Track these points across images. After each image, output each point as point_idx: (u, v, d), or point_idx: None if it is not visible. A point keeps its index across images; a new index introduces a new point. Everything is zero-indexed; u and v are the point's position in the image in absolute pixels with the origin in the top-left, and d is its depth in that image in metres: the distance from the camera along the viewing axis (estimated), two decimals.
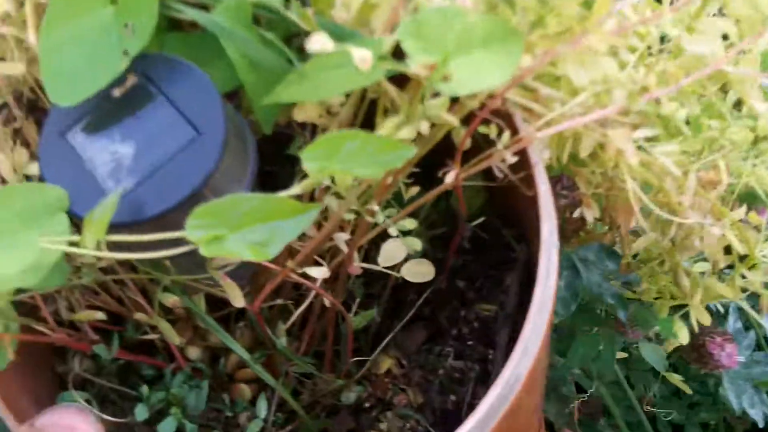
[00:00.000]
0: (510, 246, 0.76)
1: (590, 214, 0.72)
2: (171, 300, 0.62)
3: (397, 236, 0.58)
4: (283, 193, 0.46)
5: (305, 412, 0.68)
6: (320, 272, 0.56)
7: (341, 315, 0.69)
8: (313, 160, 0.45)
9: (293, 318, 0.64)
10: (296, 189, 0.46)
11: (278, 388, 0.66)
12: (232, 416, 0.69)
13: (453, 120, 0.51)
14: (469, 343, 0.74)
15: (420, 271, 0.63)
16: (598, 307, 0.82)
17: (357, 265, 0.62)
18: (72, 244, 0.47)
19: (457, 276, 0.76)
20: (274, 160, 0.60)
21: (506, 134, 0.54)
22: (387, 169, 0.45)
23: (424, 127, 0.50)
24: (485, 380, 0.73)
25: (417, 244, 0.58)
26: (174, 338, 0.64)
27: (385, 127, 0.49)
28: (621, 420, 1.14)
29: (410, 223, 0.58)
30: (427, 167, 0.61)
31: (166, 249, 0.47)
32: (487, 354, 0.74)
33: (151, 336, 0.63)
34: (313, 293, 0.61)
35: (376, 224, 0.60)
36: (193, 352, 0.67)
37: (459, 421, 0.71)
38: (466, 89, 0.47)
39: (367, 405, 0.74)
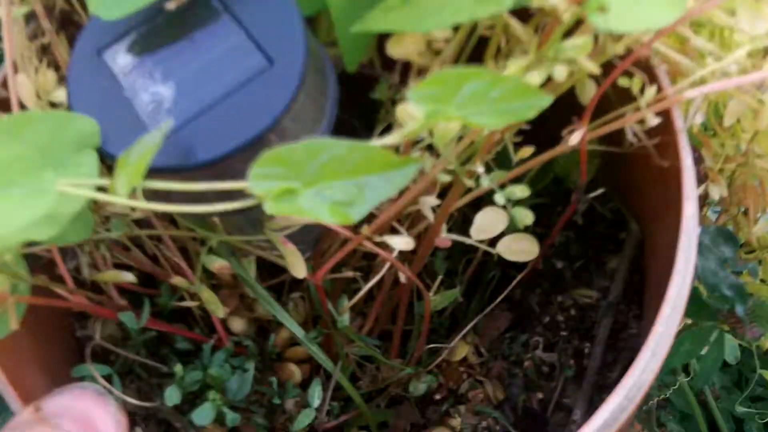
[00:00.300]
0: (618, 225, 0.64)
1: (716, 191, 0.60)
2: (217, 264, 0.51)
3: (504, 205, 0.46)
4: (374, 142, 0.35)
5: (364, 402, 0.60)
6: (401, 242, 0.45)
7: (417, 293, 0.58)
8: (424, 101, 0.34)
9: (361, 293, 0.56)
10: (392, 138, 0.35)
11: (335, 373, 0.58)
12: (278, 402, 0.59)
13: (592, 67, 0.40)
14: (563, 333, 0.65)
15: (521, 249, 0.52)
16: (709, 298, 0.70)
17: (445, 237, 0.51)
18: (101, 189, 0.36)
19: (554, 255, 0.65)
20: (346, 107, 0.49)
21: (651, 90, 0.43)
22: (513, 121, 0.33)
23: (560, 72, 0.39)
24: (579, 377, 0.62)
25: (528, 216, 0.47)
26: (218, 310, 0.54)
27: (512, 68, 0.38)
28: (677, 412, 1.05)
29: (521, 190, 0.47)
30: (535, 124, 0.50)
31: (217, 202, 0.36)
32: (583, 347, 0.64)
33: (189, 304, 0.54)
34: (386, 266, 0.51)
35: (469, 189, 0.49)
36: (238, 325, 0.59)
37: (544, 422, 0.61)
38: (628, 25, 0.36)
39: (437, 397, 0.65)
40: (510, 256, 0.52)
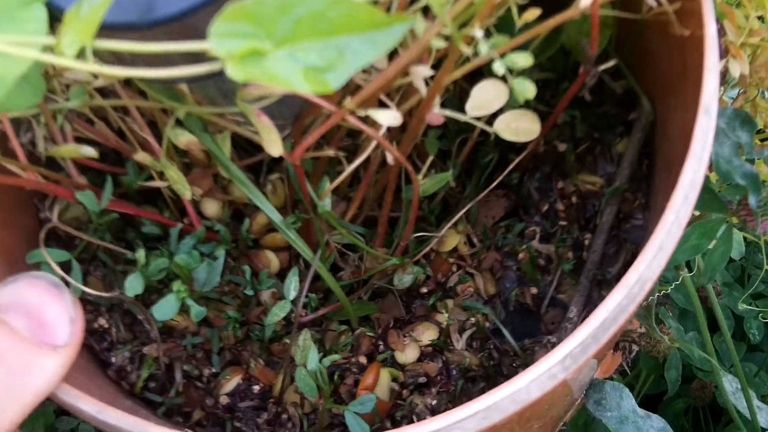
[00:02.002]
0: (628, 104, 0.60)
1: (737, 67, 0.56)
2: (184, 138, 0.47)
3: (504, 76, 0.42)
4: None
5: (345, 294, 0.58)
6: (388, 117, 0.41)
7: (405, 176, 0.55)
8: None
9: (344, 175, 0.53)
10: None
11: (314, 262, 0.55)
12: (251, 293, 0.56)
13: None
14: (562, 223, 0.61)
15: (521, 128, 0.48)
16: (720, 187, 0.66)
17: (438, 113, 0.47)
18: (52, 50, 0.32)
19: (557, 136, 0.61)
20: None
21: None
22: None
23: None
24: (577, 272, 0.59)
25: (530, 88, 0.43)
26: (185, 191, 0.50)
27: None
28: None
29: (524, 59, 0.43)
30: None
31: (180, 66, 0.32)
32: (583, 238, 0.60)
33: (158, 183, 0.50)
34: (373, 144, 0.48)
35: (466, 60, 0.45)
36: (211, 208, 0.57)
37: (537, 320, 0.58)
38: None
39: (423, 290, 0.62)
40: (509, 135, 0.48)
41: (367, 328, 0.59)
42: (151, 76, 0.32)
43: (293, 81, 0.32)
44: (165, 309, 0.49)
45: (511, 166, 0.59)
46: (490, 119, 0.47)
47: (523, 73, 0.43)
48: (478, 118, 0.48)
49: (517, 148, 0.62)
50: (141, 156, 0.50)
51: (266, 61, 0.32)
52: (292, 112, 0.50)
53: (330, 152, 0.50)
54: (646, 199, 0.59)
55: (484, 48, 0.42)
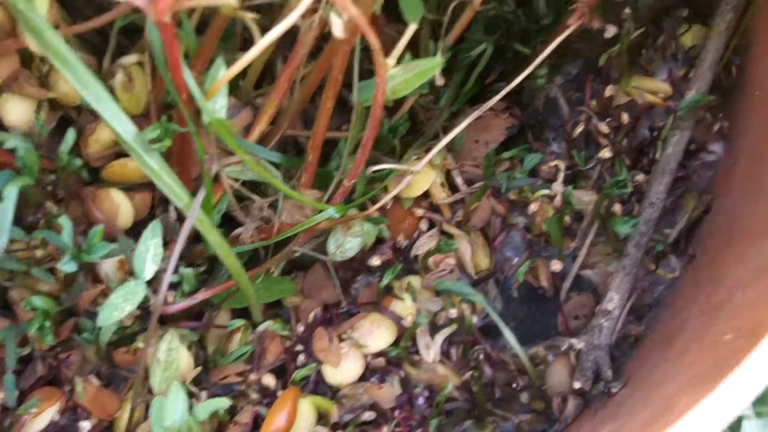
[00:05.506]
0: None
1: None
2: None
3: None
4: None
5: (244, 266, 0.44)
6: None
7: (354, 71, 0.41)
8: None
9: (249, 56, 0.36)
10: None
11: (190, 212, 0.40)
12: (73, 268, 0.41)
13: None
14: (604, 154, 0.48)
15: None
16: None
17: None
18: None
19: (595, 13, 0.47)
20: None
21: None
22: None
23: None
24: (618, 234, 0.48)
25: None
26: None
27: None
28: None
29: None
30: None
31: None
32: (635, 181, 0.47)
33: None
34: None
35: None
36: (15, 110, 0.43)
37: (554, 311, 0.48)
38: None
39: (374, 261, 0.47)
40: None
41: (279, 322, 0.47)
42: None
43: None
44: None
45: (539, 59, 0.43)
46: None
47: None
48: None
49: (527, 33, 0.49)
50: None
51: None
52: None
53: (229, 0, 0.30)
54: (730, 121, 0.47)
55: None
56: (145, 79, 0.45)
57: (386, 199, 0.46)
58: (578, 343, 0.45)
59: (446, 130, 0.48)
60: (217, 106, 0.39)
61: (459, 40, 0.49)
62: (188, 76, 0.39)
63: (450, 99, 0.51)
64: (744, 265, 0.37)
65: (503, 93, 0.44)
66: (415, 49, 0.49)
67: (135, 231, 0.45)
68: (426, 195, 0.49)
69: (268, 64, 0.46)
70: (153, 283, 0.42)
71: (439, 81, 0.45)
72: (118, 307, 0.40)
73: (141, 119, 0.45)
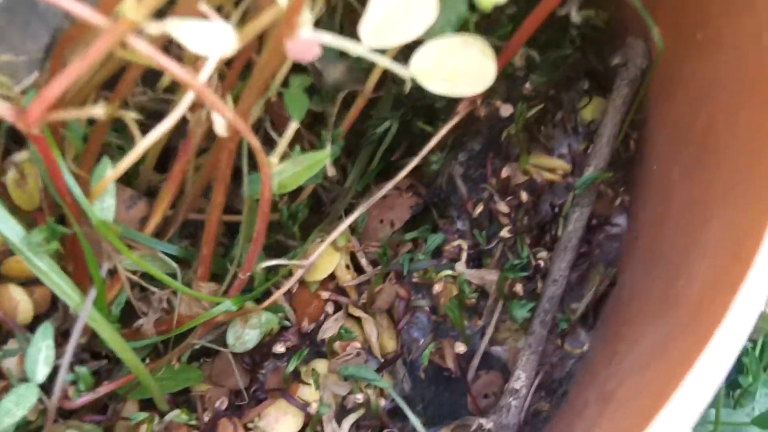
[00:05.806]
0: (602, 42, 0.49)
1: None
2: None
3: None
4: None
5: (145, 357, 0.45)
6: (214, 39, 0.29)
7: (250, 156, 0.40)
8: None
9: (136, 152, 0.35)
10: None
11: (83, 309, 0.39)
12: None
13: None
14: (504, 233, 0.47)
15: (463, 70, 0.30)
16: None
17: (309, 38, 0.27)
18: None
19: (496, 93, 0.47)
20: None
21: None
22: None
23: None
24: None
25: None
26: None
27: None
28: None
29: None
30: None
31: None
32: (537, 259, 0.46)
33: None
34: (189, 98, 0.32)
35: None
36: None
37: (462, 391, 0.50)
38: None
39: (279, 349, 0.46)
40: (440, 84, 0.30)
41: (185, 412, 0.44)
42: None
43: None
44: None
45: (434, 140, 0.42)
46: (402, 53, 0.31)
47: None
48: (381, 51, 0.29)
49: (432, 110, 0.47)
50: None
51: None
52: (42, 40, 0.38)
53: (100, 111, 0.29)
54: (630, 195, 0.47)
55: None
56: (37, 175, 0.44)
57: (289, 283, 0.45)
58: (487, 423, 0.45)
59: (352, 209, 0.47)
60: (105, 205, 0.38)
61: (366, 117, 0.48)
62: (70, 180, 0.38)
63: (357, 176, 0.50)
64: (640, 347, 0.36)
65: (404, 173, 0.44)
66: (318, 133, 0.47)
67: (35, 326, 0.43)
68: (332, 277, 0.48)
69: (167, 152, 0.45)
70: (45, 387, 0.40)
71: (331, 171, 0.45)
72: (10, 412, 0.38)
73: (37, 214, 0.44)
